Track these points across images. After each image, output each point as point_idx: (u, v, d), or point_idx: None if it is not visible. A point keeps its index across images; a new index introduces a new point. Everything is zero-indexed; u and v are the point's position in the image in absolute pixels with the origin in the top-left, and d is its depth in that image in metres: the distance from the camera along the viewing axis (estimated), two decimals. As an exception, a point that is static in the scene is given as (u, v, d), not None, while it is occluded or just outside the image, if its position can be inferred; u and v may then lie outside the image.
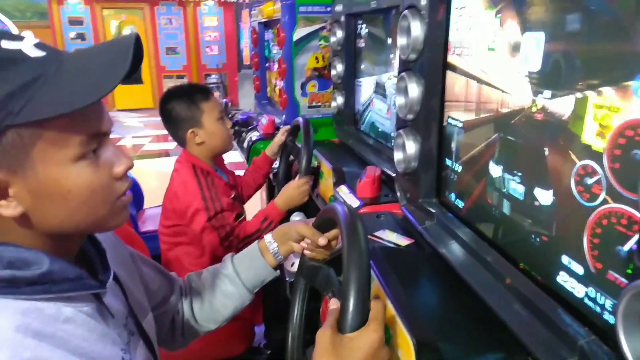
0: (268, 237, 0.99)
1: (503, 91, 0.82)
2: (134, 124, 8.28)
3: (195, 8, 9.19)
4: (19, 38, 0.58)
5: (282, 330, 1.68)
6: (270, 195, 2.49)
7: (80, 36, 8.90)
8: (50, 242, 0.64)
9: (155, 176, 5.09)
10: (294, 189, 1.58)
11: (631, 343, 0.49)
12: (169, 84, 9.26)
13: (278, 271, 1.01)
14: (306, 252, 0.92)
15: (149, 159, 6.21)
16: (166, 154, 6.52)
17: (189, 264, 1.57)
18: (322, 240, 0.88)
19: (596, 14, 0.60)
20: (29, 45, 0.58)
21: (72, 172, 0.59)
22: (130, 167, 0.67)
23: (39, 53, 0.58)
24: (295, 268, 1.21)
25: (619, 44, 0.56)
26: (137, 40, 0.60)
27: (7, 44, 0.56)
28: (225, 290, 0.97)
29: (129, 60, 0.58)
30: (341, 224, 0.69)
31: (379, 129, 1.73)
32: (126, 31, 11.42)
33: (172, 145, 6.65)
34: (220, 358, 1.55)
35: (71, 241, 0.68)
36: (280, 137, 1.82)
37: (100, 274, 0.70)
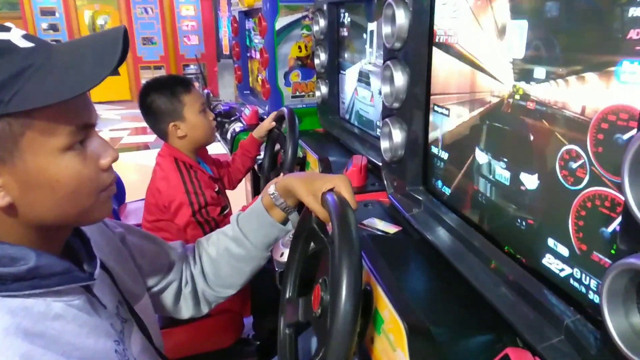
0: (272, 190, 0.90)
1: (488, 78, 0.83)
2: (111, 117, 8.11)
3: (171, -4, 9.02)
4: (6, 29, 0.58)
5: (270, 322, 1.70)
6: (256, 187, 2.49)
7: (53, 27, 8.65)
8: (36, 235, 0.63)
9: (135, 170, 5.01)
10: None
11: (615, 321, 0.51)
12: (146, 75, 9.12)
13: (290, 226, 0.94)
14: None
15: (128, 152, 6.10)
16: (146, 146, 6.42)
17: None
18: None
19: (577, 0, 0.61)
20: (17, 36, 0.57)
21: (60, 163, 0.60)
22: (116, 158, 0.67)
23: (28, 44, 0.57)
24: (284, 258, 1.21)
25: (601, 31, 0.57)
26: (124, 33, 0.60)
27: None
28: (236, 254, 0.93)
29: (119, 52, 0.58)
30: (333, 219, 0.70)
31: (364, 117, 1.74)
32: (100, 21, 11.17)
33: (151, 137, 6.55)
34: (210, 350, 1.55)
35: (56, 235, 0.67)
36: (269, 121, 1.80)
37: (87, 264, 0.70)
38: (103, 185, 0.66)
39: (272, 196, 0.90)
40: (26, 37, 0.58)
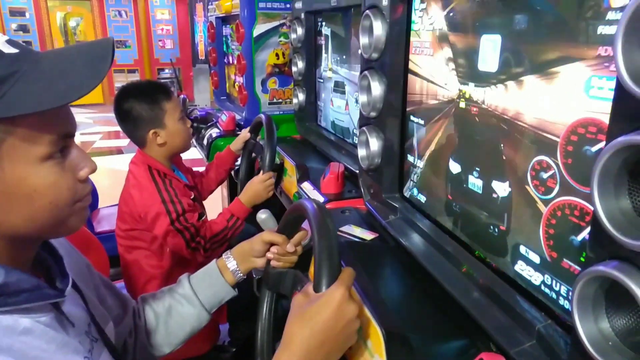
0: (227, 255, 0.98)
1: (461, 89, 0.85)
2: (83, 120, 7.93)
3: (146, 0, 8.91)
4: None
5: (246, 328, 1.69)
6: (232, 193, 2.47)
7: (23, 28, 8.43)
8: (7, 247, 0.62)
9: (108, 174, 4.91)
10: (258, 184, 1.58)
11: (585, 326, 0.53)
12: (119, 78, 8.97)
13: (236, 290, 0.99)
14: (273, 262, 0.91)
15: (101, 156, 5.98)
16: (119, 151, 6.31)
17: (149, 266, 1.53)
18: (290, 247, 0.88)
19: (544, 15, 0.64)
20: (1, 41, 0.57)
21: (39, 172, 0.59)
22: (94, 170, 0.67)
23: (12, 50, 0.57)
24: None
25: (571, 47, 0.60)
26: (113, 44, 0.61)
27: None
28: (182, 312, 0.95)
29: (109, 63, 0.59)
30: (309, 214, 0.71)
31: (339, 125, 1.75)
32: (72, 23, 10.94)
33: (125, 142, 6.44)
34: (186, 357, 1.53)
35: (28, 246, 0.66)
36: (245, 133, 1.81)
37: (59, 281, 0.69)
38: (80, 196, 0.65)
39: (227, 260, 0.97)
40: (10, 42, 0.58)
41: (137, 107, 1.45)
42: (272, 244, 0.92)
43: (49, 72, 0.57)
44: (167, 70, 8.93)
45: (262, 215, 1.15)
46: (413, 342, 0.71)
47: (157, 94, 1.48)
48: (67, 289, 0.67)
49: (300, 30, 1.89)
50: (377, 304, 0.76)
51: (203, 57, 7.27)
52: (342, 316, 0.65)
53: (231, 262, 0.97)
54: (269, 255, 0.92)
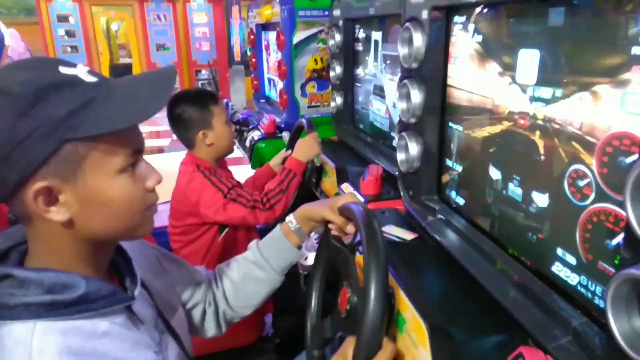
0: (289, 218, 1.02)
1: (502, 100, 0.90)
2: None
3: (184, 4, 9.14)
4: (73, 65, 0.66)
5: (289, 320, 1.76)
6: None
7: (69, 33, 8.82)
8: (87, 249, 0.70)
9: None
10: (310, 140, 1.71)
11: (619, 324, 0.57)
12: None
13: (304, 249, 1.04)
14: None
15: (144, 155, 6.20)
16: (159, 150, 6.53)
17: (202, 260, 1.64)
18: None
19: (582, 32, 0.68)
20: (83, 71, 0.66)
21: (115, 183, 0.67)
22: (160, 181, 0.75)
23: (93, 78, 0.66)
24: (309, 262, 1.29)
25: (607, 66, 0.64)
26: (174, 73, 0.70)
27: (64, 70, 0.64)
28: (256, 277, 1.02)
29: (170, 90, 0.68)
30: (360, 226, 0.77)
31: (378, 128, 1.81)
32: (114, 27, 11.33)
33: (165, 142, 6.67)
34: (233, 347, 1.63)
35: (105, 250, 0.75)
36: (285, 152, 1.91)
37: (128, 281, 0.78)
38: (149, 204, 0.74)
39: (290, 224, 1.02)
40: (90, 72, 0.67)
41: (188, 110, 1.57)
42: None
43: (121, 97, 0.66)
44: (204, 72, 9.14)
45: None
46: (455, 336, 0.76)
47: (206, 98, 1.60)
48: (136, 291, 0.76)
49: (338, 37, 1.95)
50: (420, 300, 0.81)
51: (238, 59, 7.41)
52: None
53: (294, 225, 1.01)
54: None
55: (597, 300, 0.70)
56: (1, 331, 0.62)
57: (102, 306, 0.68)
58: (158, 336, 0.80)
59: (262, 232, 1.72)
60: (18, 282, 0.64)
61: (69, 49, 8.79)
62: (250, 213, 1.56)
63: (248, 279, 1.03)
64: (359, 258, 0.87)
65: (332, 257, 0.95)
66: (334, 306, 0.89)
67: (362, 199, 0.95)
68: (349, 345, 0.75)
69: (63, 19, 8.75)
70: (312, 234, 1.09)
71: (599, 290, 0.69)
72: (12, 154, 0.59)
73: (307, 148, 1.70)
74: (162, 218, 2.01)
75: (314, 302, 0.99)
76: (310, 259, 1.04)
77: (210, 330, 1.04)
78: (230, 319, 1.06)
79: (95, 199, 0.66)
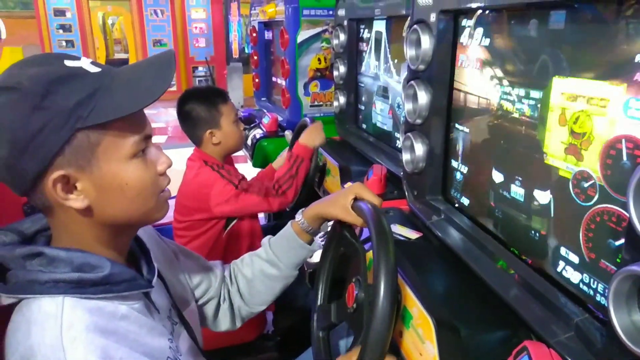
0: (299, 217, 1.04)
1: (506, 102, 0.93)
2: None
3: (182, 0, 9.14)
4: (77, 58, 0.69)
5: (290, 318, 1.79)
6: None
7: (65, 27, 8.78)
8: (107, 235, 0.73)
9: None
10: (317, 126, 1.77)
11: (620, 318, 0.60)
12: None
13: (315, 244, 1.07)
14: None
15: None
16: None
17: (206, 255, 1.66)
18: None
19: (594, 44, 0.71)
20: (87, 63, 0.68)
21: (128, 168, 0.70)
22: (170, 164, 0.78)
23: (96, 69, 0.68)
24: (314, 259, 1.31)
25: (611, 71, 0.67)
26: (174, 55, 0.73)
27: (69, 63, 0.67)
28: (269, 274, 1.05)
29: (172, 71, 0.70)
30: (370, 225, 0.80)
31: (381, 129, 1.84)
32: (110, 21, 11.29)
33: (162, 139, 6.67)
34: (233, 344, 1.65)
35: (125, 235, 0.78)
36: (287, 151, 1.94)
37: (146, 272, 0.80)
38: (161, 188, 0.76)
39: (300, 222, 1.03)
40: (93, 63, 0.69)
41: (197, 108, 1.59)
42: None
43: (126, 83, 0.68)
44: (201, 69, 9.13)
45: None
46: (460, 331, 0.79)
47: (215, 97, 1.62)
48: (154, 280, 0.78)
49: (342, 37, 1.98)
50: (426, 296, 0.84)
51: (237, 56, 7.42)
52: None
53: (304, 224, 1.03)
54: None
55: (598, 297, 0.73)
56: (31, 305, 0.65)
57: (124, 289, 0.71)
58: (171, 326, 0.83)
59: (265, 230, 1.75)
60: (47, 260, 0.67)
61: (64, 44, 8.76)
62: (264, 200, 1.60)
63: (262, 277, 1.05)
64: (367, 254, 0.90)
65: (342, 249, 0.97)
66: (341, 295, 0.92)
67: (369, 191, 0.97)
68: (353, 353, 0.77)
69: (60, 12, 8.71)
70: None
71: (600, 287, 0.73)
72: (29, 147, 0.62)
73: (314, 135, 1.75)
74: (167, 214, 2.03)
75: (322, 284, 1.01)
76: (316, 256, 1.06)
77: (223, 325, 1.07)
78: (245, 315, 1.09)
79: (110, 185, 0.69)
